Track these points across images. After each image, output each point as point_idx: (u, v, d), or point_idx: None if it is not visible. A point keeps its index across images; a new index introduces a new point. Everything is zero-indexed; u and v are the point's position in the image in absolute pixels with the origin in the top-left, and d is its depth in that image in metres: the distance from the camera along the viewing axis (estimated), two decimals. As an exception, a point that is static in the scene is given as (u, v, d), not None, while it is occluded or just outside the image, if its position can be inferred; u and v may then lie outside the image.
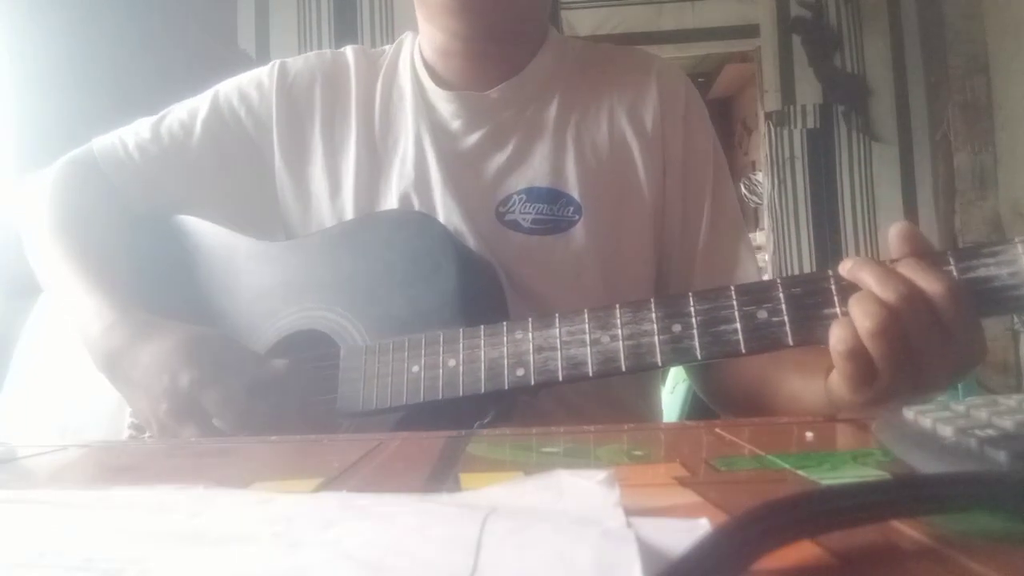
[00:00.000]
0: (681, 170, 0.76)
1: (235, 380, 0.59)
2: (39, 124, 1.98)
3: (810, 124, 3.34)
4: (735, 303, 0.50)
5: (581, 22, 3.33)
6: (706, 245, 0.76)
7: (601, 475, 0.27)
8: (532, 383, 0.55)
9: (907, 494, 0.22)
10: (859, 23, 3.33)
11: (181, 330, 0.63)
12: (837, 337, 0.46)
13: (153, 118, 0.81)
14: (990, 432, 0.28)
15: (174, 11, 2.72)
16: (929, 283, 0.45)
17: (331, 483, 0.34)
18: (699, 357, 0.51)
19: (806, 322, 0.49)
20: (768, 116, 3.37)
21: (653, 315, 0.52)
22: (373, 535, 0.23)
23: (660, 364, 0.52)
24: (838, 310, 0.48)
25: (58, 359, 0.76)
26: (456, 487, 0.32)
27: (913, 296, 0.45)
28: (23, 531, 0.27)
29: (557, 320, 0.55)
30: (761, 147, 3.53)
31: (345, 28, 3.40)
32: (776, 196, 3.35)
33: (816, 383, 0.55)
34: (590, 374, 0.53)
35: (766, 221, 3.45)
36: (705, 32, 3.38)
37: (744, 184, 4.22)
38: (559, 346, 0.55)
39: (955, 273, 0.46)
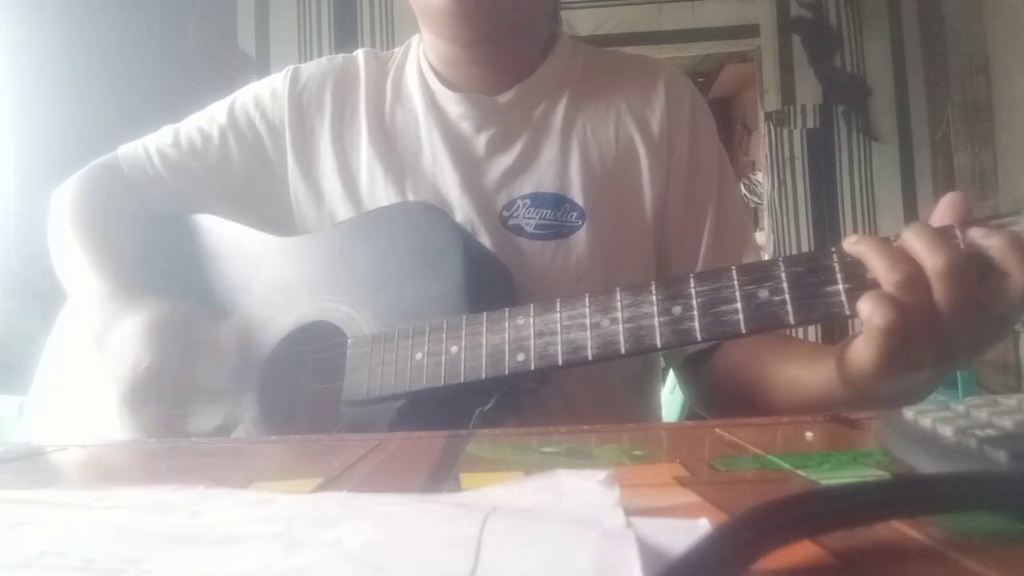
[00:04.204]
0: (687, 179, 0.76)
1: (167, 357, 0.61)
2: (39, 123, 1.98)
3: (810, 124, 3.34)
4: (736, 283, 0.50)
5: (581, 22, 3.33)
6: (709, 252, 0.76)
7: (601, 475, 0.27)
8: (532, 367, 0.55)
9: (907, 494, 0.22)
10: (859, 23, 3.33)
11: (147, 309, 0.63)
12: (874, 310, 0.44)
13: (175, 125, 0.85)
14: (990, 432, 0.28)
15: (174, 11, 2.71)
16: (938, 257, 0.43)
17: (331, 483, 0.34)
18: (699, 338, 0.50)
19: (808, 300, 0.48)
20: (768, 116, 3.37)
21: (653, 297, 0.52)
22: (373, 535, 0.23)
23: (660, 346, 0.51)
24: (840, 287, 0.47)
25: (77, 364, 0.76)
26: (456, 487, 0.32)
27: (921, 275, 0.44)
28: (23, 531, 0.27)
29: (558, 305, 0.55)
30: (761, 147, 3.53)
31: (345, 28, 3.40)
32: (776, 196, 3.35)
33: (821, 364, 0.55)
34: (589, 357, 0.53)
35: (766, 221, 3.45)
36: (705, 32, 3.38)
37: (744, 184, 4.22)
38: (559, 330, 0.54)
39: (961, 245, 0.44)
